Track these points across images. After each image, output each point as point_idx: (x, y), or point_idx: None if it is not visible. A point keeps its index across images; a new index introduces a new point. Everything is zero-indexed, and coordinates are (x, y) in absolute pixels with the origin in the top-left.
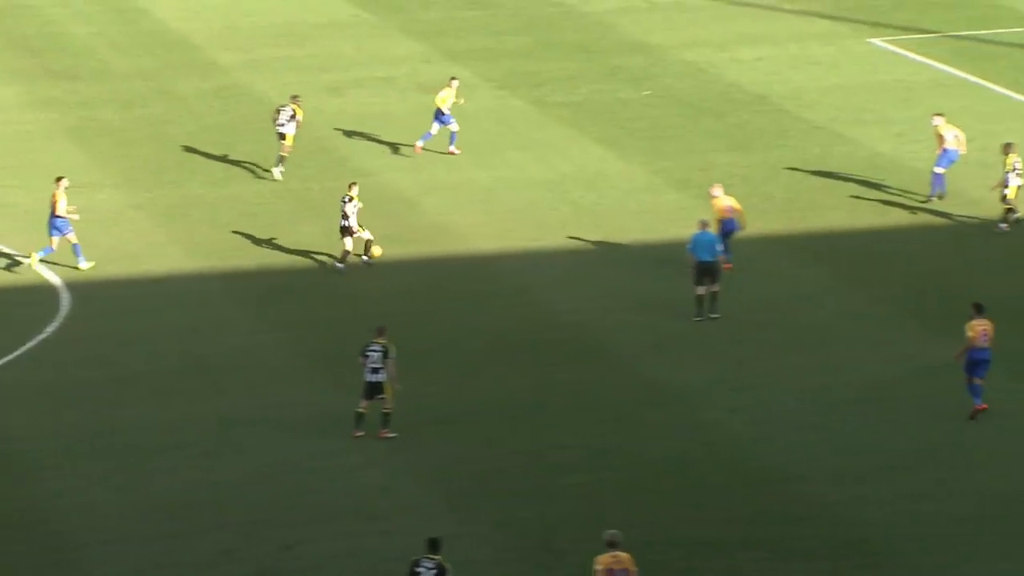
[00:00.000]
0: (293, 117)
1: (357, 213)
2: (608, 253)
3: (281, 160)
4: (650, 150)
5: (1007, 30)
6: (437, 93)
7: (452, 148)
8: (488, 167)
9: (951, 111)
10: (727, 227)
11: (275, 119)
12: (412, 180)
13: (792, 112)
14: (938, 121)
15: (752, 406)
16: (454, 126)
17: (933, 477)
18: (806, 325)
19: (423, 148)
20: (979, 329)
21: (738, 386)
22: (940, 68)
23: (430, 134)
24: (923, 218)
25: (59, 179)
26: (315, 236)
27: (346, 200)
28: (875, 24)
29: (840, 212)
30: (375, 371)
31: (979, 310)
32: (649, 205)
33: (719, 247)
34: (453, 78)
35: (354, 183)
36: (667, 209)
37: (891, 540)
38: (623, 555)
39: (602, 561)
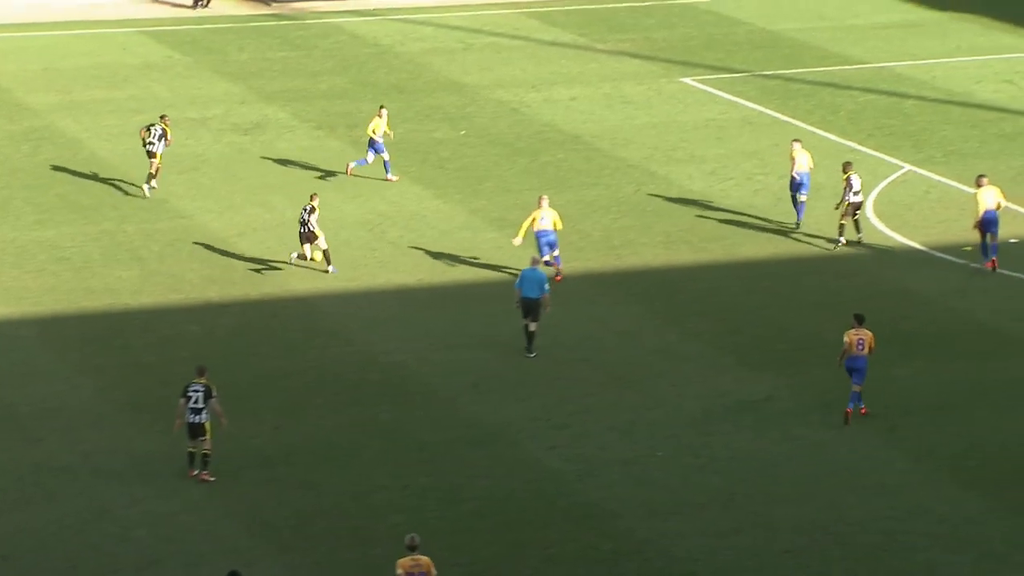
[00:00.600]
0: (163, 136)
1: (317, 221)
2: (427, 293)
3: (151, 177)
4: (467, 189)
5: (812, 69)
6: (368, 124)
7: (389, 176)
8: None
9: (761, 149)
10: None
11: (144, 138)
12: (228, 221)
13: (606, 151)
14: (796, 146)
15: (570, 443)
16: (386, 154)
17: (749, 511)
18: (623, 362)
19: (353, 172)
20: (855, 338)
21: (557, 423)
22: (750, 106)
23: (365, 160)
24: (738, 254)
25: None
26: (131, 280)
27: (307, 209)
28: (686, 63)
29: (655, 249)
30: (196, 412)
31: (859, 320)
32: (467, 244)
33: (547, 286)
34: (382, 107)
35: (315, 194)
36: (485, 248)
37: (719, 574)
38: (423, 559)
39: (402, 565)
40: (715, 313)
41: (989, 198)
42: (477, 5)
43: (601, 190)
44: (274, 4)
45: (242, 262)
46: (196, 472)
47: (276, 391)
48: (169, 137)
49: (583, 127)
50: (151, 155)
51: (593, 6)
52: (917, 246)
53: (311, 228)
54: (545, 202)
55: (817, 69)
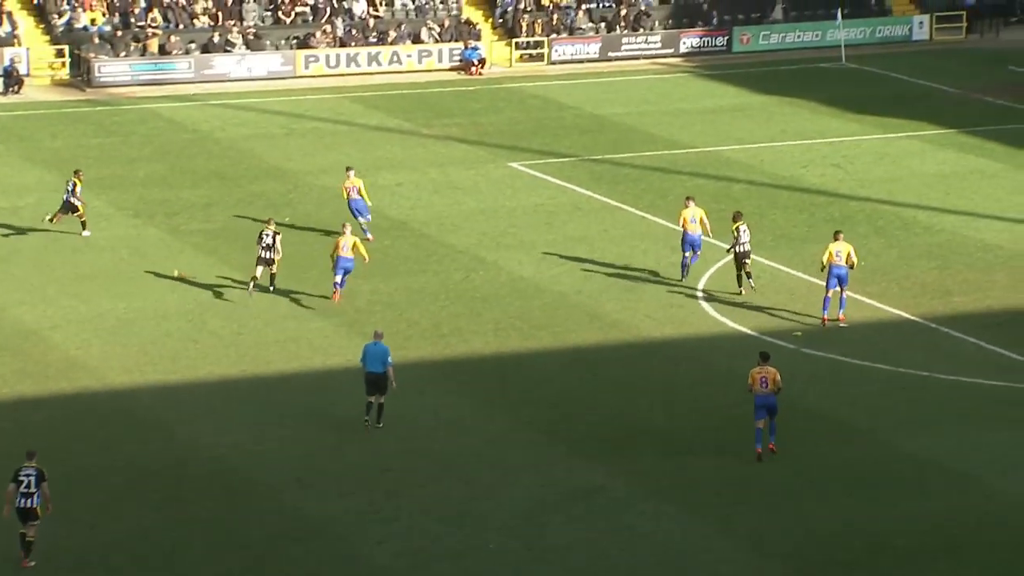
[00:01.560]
0: (75, 189)
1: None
2: (250, 384)
3: (85, 224)
4: (291, 278)
5: (640, 154)
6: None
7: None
8: (123, 298)
9: (591, 234)
10: None
11: (67, 193)
12: (41, 314)
13: (434, 237)
14: (689, 204)
15: (399, 536)
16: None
17: None
18: (453, 452)
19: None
20: (758, 376)
21: (385, 516)
22: (579, 191)
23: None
24: (568, 340)
25: None
26: None
27: (266, 235)
28: (514, 148)
29: (485, 337)
30: (27, 496)
31: (764, 358)
32: (292, 334)
33: (390, 359)
34: (348, 168)
35: (271, 219)
36: (312, 337)
37: None
38: None
39: None
40: (546, 401)
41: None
42: (299, 90)
43: (429, 277)
44: (89, 90)
45: (57, 354)
46: (32, 563)
47: (93, 489)
48: (79, 190)
49: (410, 213)
50: (74, 208)
51: (418, 91)
52: (748, 331)
53: (274, 250)
54: (348, 230)
55: (645, 153)
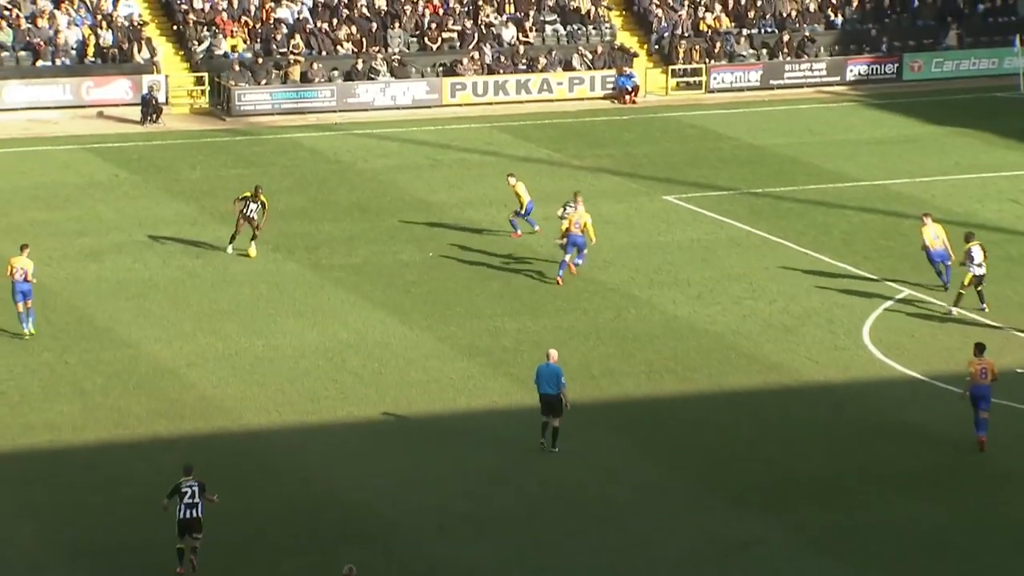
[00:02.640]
0: (250, 206)
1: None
2: (391, 427)
3: (252, 239)
4: (435, 315)
5: (803, 187)
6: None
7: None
8: (261, 335)
9: (750, 271)
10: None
11: (241, 209)
12: (177, 351)
13: (584, 273)
14: (926, 220)
15: None
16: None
17: None
18: (603, 500)
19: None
20: (978, 367)
21: (532, 567)
22: (737, 226)
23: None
24: (725, 383)
25: None
26: (73, 414)
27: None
28: (669, 180)
29: (637, 379)
30: (191, 507)
31: (980, 349)
32: (435, 374)
33: (563, 380)
34: (510, 174)
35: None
36: (455, 378)
37: None
38: None
39: None
40: (701, 447)
41: (934, 234)
42: (445, 119)
43: (579, 315)
44: (228, 119)
45: (193, 394)
46: (181, 570)
47: (228, 532)
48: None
49: (559, 249)
50: (249, 220)
51: (568, 120)
52: (918, 376)
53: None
54: (579, 202)
55: (808, 187)
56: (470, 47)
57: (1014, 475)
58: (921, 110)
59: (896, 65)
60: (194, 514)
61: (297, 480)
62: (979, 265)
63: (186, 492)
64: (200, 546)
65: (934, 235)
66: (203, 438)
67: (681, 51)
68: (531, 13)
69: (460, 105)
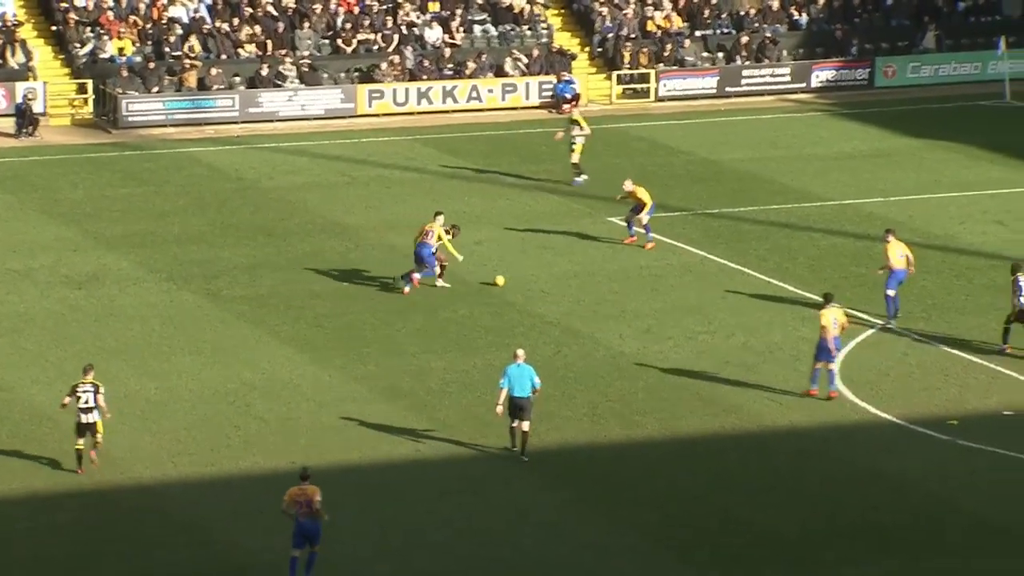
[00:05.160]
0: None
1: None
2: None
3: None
4: (350, 352)
5: (765, 207)
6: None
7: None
8: (153, 376)
9: (705, 302)
10: None
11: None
12: (58, 394)
13: (519, 305)
14: (889, 239)
15: None
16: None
17: None
18: (545, 560)
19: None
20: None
21: None
22: (691, 251)
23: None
24: (678, 428)
25: None
26: None
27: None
28: (613, 201)
29: (580, 424)
30: (86, 411)
31: (828, 299)
32: (351, 419)
33: (537, 380)
34: (438, 212)
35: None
36: (374, 424)
37: None
38: (310, 488)
39: (290, 494)
40: (651, 500)
41: (899, 253)
42: (361, 131)
43: (511, 352)
44: (115, 131)
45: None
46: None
47: None
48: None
49: (491, 277)
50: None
51: (501, 132)
52: (893, 419)
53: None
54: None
55: (770, 207)
56: (389, 50)
57: (997, 528)
58: (896, 121)
59: (868, 70)
60: (90, 418)
61: (196, 541)
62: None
63: (80, 396)
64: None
65: (899, 254)
66: (90, 494)
67: (627, 54)
68: (458, 12)
69: (378, 115)
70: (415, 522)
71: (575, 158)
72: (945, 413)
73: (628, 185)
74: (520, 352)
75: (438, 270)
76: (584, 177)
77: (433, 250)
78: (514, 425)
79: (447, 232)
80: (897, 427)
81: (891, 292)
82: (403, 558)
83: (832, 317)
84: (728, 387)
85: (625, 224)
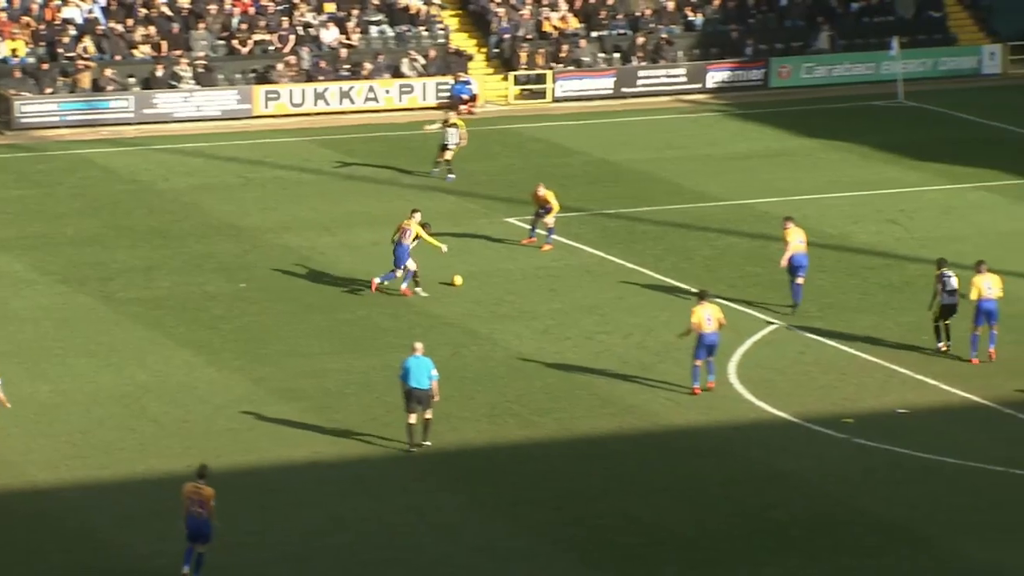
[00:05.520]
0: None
1: None
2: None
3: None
4: (247, 354)
5: (662, 207)
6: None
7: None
8: (47, 379)
9: (603, 302)
10: None
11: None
12: None
13: (417, 306)
14: (789, 225)
15: None
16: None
17: None
18: (442, 562)
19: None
20: (703, 314)
21: None
22: (588, 251)
23: (393, 274)
24: (576, 429)
25: None
26: None
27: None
28: (511, 200)
29: (478, 424)
30: None
31: (702, 296)
32: (248, 422)
33: (435, 372)
34: (415, 210)
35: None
36: (271, 425)
37: None
38: (206, 488)
39: (186, 490)
40: (550, 501)
41: (799, 239)
42: (257, 132)
43: (439, 351)
44: (8, 133)
45: None
46: None
47: None
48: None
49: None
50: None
51: (398, 133)
52: (790, 417)
53: None
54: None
55: (667, 207)
56: (285, 51)
57: (893, 526)
58: (791, 121)
59: (763, 71)
60: None
61: (89, 546)
62: (951, 293)
63: None
64: None
65: (799, 240)
66: None
67: (524, 55)
68: (354, 13)
69: (274, 116)
70: (314, 525)
71: (449, 156)
72: (841, 411)
73: (541, 190)
74: (418, 345)
75: (408, 279)
76: (453, 176)
77: (409, 249)
78: (412, 420)
79: (423, 227)
80: (794, 426)
81: (800, 280)
82: (302, 562)
83: (706, 313)
84: (626, 387)
85: (529, 226)
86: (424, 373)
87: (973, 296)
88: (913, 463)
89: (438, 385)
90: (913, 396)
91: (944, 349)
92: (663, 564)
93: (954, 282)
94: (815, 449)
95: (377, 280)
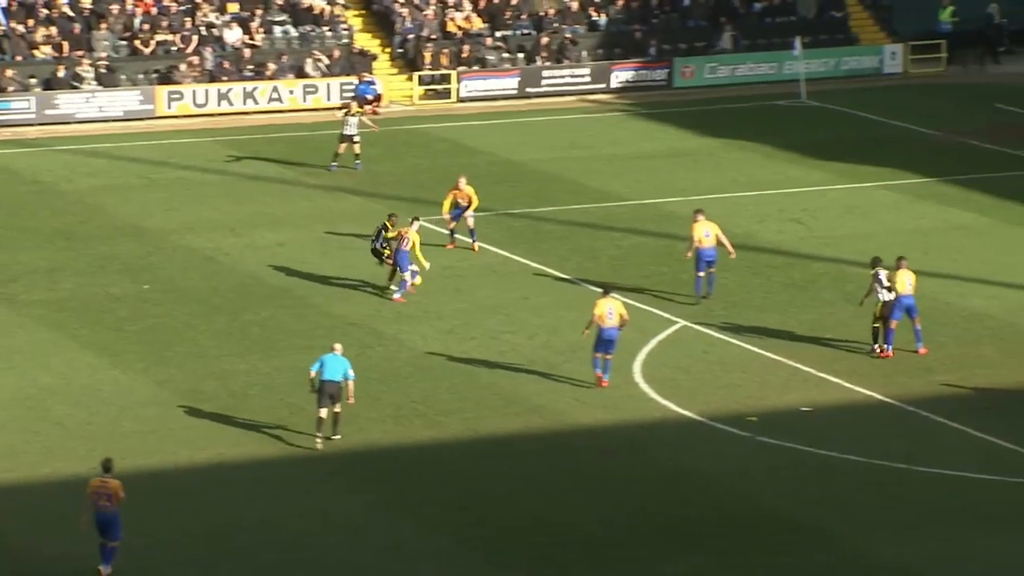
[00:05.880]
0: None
1: None
2: None
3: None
4: (151, 356)
5: (566, 207)
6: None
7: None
8: None
9: (508, 302)
10: None
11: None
12: None
13: (321, 307)
14: (699, 217)
15: None
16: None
17: None
18: (347, 563)
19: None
20: (606, 308)
21: None
22: (493, 251)
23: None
24: (481, 429)
25: None
26: None
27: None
28: (416, 201)
29: (384, 425)
30: None
31: (606, 292)
32: (153, 424)
33: (351, 372)
34: (415, 218)
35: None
36: (175, 428)
37: None
38: (112, 481)
39: (92, 484)
40: (456, 501)
41: (705, 231)
42: (160, 132)
43: (316, 354)
44: None
45: None
46: None
47: None
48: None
49: (293, 278)
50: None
51: (302, 133)
52: (695, 416)
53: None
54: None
55: (572, 207)
56: (188, 51)
57: (798, 523)
58: (694, 121)
59: (666, 71)
60: None
61: None
62: (888, 293)
63: None
64: None
65: (705, 232)
66: None
67: (428, 56)
68: (258, 13)
69: (178, 117)
70: (218, 527)
71: (357, 149)
72: (745, 410)
73: (463, 183)
74: (338, 346)
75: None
76: (336, 166)
77: (408, 255)
78: (322, 415)
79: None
80: (698, 424)
81: (701, 273)
82: (207, 564)
83: (608, 308)
84: (532, 387)
85: (448, 232)
86: (339, 369)
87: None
88: (816, 460)
89: (353, 386)
90: (816, 394)
91: (879, 352)
92: (570, 563)
93: (887, 280)
94: (720, 447)
95: (397, 295)
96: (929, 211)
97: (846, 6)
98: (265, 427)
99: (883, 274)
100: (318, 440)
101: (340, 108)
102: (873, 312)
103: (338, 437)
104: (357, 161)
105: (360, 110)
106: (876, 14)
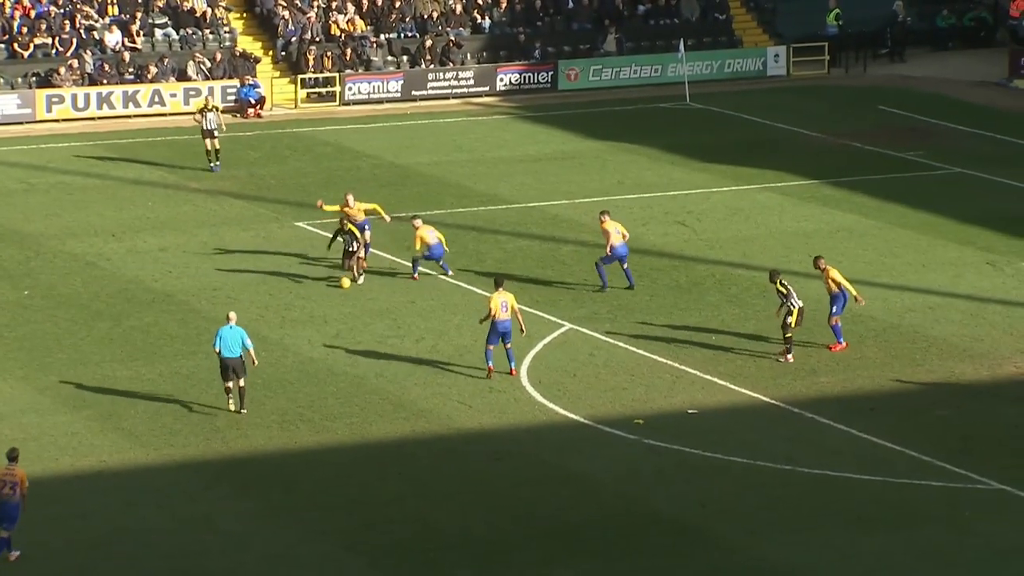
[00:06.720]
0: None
1: None
2: None
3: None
4: (32, 363)
5: (452, 211)
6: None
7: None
8: None
9: (394, 306)
10: None
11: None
12: None
13: (205, 312)
14: (604, 218)
15: None
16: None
17: None
18: (231, 571)
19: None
20: (499, 302)
21: None
22: (380, 255)
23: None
24: (368, 433)
25: None
26: None
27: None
28: (301, 205)
29: (269, 431)
30: None
31: (499, 284)
32: (33, 431)
33: (248, 342)
34: (416, 216)
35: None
36: (56, 435)
37: None
38: (18, 470)
39: None
40: (342, 506)
41: (616, 229)
42: (39, 136)
43: (200, 359)
44: None
45: None
46: None
47: None
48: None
49: (176, 283)
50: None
51: (184, 137)
52: (581, 419)
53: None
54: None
55: (457, 210)
56: (68, 54)
57: (685, 526)
58: (579, 123)
59: (551, 73)
60: None
61: None
62: (797, 302)
63: None
64: None
65: (616, 230)
66: None
67: (311, 58)
68: (138, 15)
69: (58, 121)
70: (100, 536)
71: (216, 144)
72: (632, 412)
73: (351, 200)
74: (232, 315)
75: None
76: (217, 165)
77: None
78: (228, 385)
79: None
80: (585, 427)
81: (607, 267)
82: (87, 573)
83: (502, 301)
84: (418, 391)
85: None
86: (237, 342)
87: (834, 288)
88: (703, 463)
89: (254, 352)
90: (702, 396)
91: (791, 360)
92: (455, 568)
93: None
94: (607, 450)
95: (443, 267)
96: (812, 213)
97: (729, 9)
98: (148, 433)
99: (786, 282)
100: (230, 403)
101: (200, 109)
102: (788, 321)
103: (244, 412)
104: (217, 162)
105: (216, 106)
106: (759, 17)
